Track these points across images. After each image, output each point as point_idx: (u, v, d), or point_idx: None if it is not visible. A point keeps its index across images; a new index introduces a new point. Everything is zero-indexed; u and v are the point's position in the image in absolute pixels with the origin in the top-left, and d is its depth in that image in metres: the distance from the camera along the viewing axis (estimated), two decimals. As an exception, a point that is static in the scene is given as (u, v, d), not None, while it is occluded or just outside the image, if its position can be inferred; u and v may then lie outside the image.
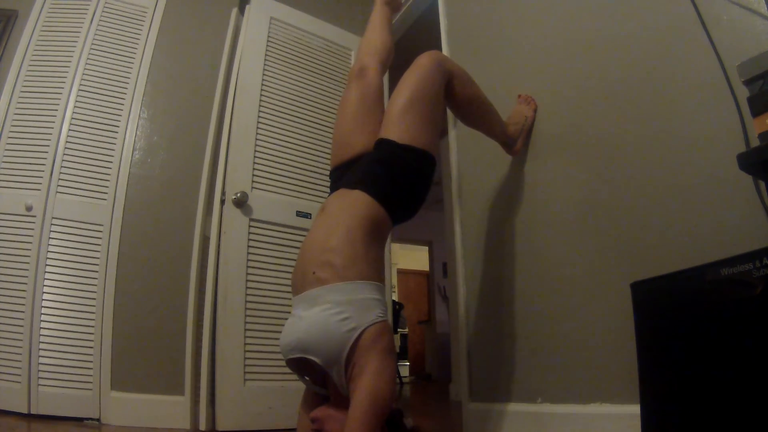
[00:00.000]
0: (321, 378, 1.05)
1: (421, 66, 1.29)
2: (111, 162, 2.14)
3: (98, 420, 1.86)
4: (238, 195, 2.08)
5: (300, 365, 1.05)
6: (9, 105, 2.09)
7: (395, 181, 1.16)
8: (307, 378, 1.10)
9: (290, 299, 1.15)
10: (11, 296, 1.90)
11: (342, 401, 0.99)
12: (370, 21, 1.59)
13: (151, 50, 2.32)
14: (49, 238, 1.98)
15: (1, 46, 2.17)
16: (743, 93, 0.86)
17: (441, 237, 5.94)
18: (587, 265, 1.33)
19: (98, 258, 2.02)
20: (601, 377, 1.24)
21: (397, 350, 7.34)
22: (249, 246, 2.08)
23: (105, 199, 2.09)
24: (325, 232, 1.10)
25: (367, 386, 0.93)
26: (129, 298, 2.01)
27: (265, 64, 2.34)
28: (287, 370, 1.09)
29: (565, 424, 1.29)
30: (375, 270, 1.06)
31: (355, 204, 1.12)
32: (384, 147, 1.21)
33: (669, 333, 0.84)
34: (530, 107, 1.61)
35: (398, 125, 1.22)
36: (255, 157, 2.20)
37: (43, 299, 1.92)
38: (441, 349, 5.93)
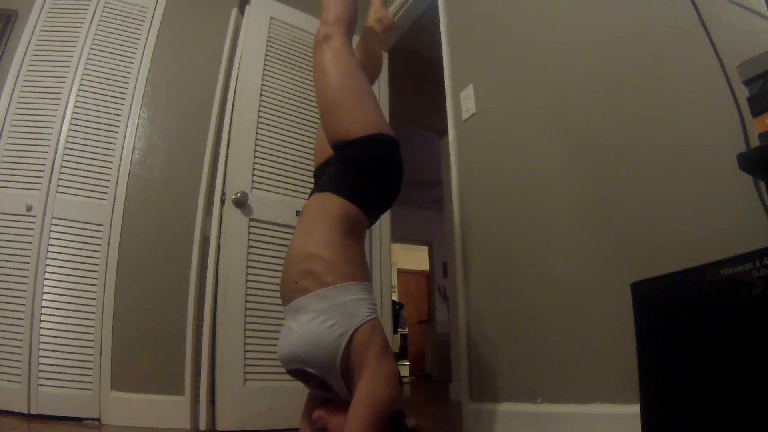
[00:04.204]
0: (323, 384, 1.05)
1: (318, 56, 1.28)
2: (111, 162, 2.14)
3: (98, 420, 1.86)
4: (238, 195, 2.08)
5: (301, 374, 1.05)
6: (9, 105, 2.09)
7: (360, 177, 1.16)
8: (311, 383, 1.10)
9: (290, 299, 1.15)
10: (11, 296, 1.90)
11: (345, 403, 0.99)
12: None
13: (151, 50, 2.32)
14: (49, 238, 1.98)
15: (1, 46, 2.17)
16: (743, 93, 0.86)
17: (441, 237, 5.93)
18: (587, 265, 1.33)
19: (98, 258, 2.02)
20: (601, 377, 1.24)
21: (397, 350, 7.37)
22: (249, 246, 2.08)
23: (105, 199, 2.09)
24: (303, 238, 1.10)
25: (365, 387, 0.93)
26: (129, 298, 2.01)
27: (265, 64, 2.34)
28: (287, 370, 1.10)
29: (565, 424, 1.29)
30: (356, 269, 1.06)
31: (327, 206, 1.12)
32: (338, 150, 1.22)
33: (669, 333, 0.84)
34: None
35: (338, 122, 1.21)
36: (255, 157, 2.20)
37: (43, 299, 1.91)
38: (441, 349, 5.92)
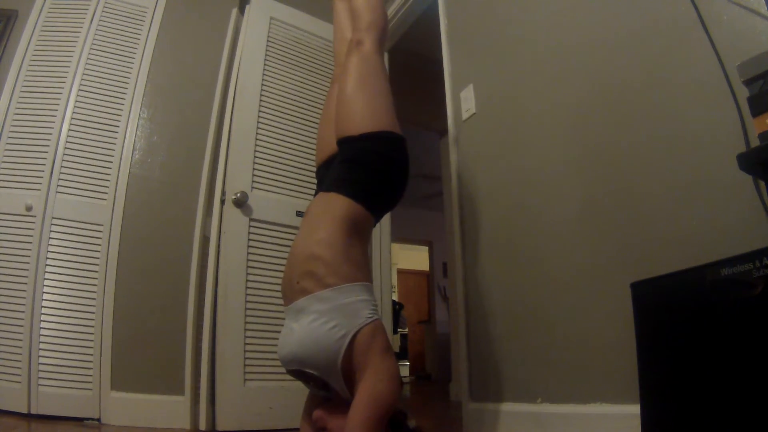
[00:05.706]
0: (323, 384, 1.05)
1: (346, 61, 1.31)
2: (111, 162, 2.14)
3: (98, 420, 1.86)
4: (238, 195, 2.08)
5: (301, 375, 1.05)
6: (9, 105, 2.09)
7: (366, 176, 1.15)
8: (311, 383, 1.10)
9: (290, 299, 1.15)
10: (11, 296, 1.90)
11: (345, 402, 0.99)
12: None
13: (151, 50, 2.32)
14: (49, 238, 1.98)
15: (1, 46, 2.17)
16: (743, 93, 0.86)
17: (441, 237, 5.94)
18: (587, 265, 1.33)
19: (98, 258, 2.02)
20: (601, 377, 1.24)
21: (397, 350, 7.38)
22: (249, 246, 2.08)
23: (105, 199, 2.09)
24: (306, 238, 1.10)
25: (366, 388, 0.92)
26: (129, 298, 2.01)
27: (265, 64, 2.34)
28: (288, 369, 1.10)
29: (565, 424, 1.29)
30: (359, 270, 1.05)
31: (333, 206, 1.12)
32: (344, 146, 1.21)
33: (669, 333, 0.84)
34: None
35: (348, 117, 1.21)
36: (255, 157, 2.20)
37: (43, 299, 1.91)
38: (441, 349, 5.92)
